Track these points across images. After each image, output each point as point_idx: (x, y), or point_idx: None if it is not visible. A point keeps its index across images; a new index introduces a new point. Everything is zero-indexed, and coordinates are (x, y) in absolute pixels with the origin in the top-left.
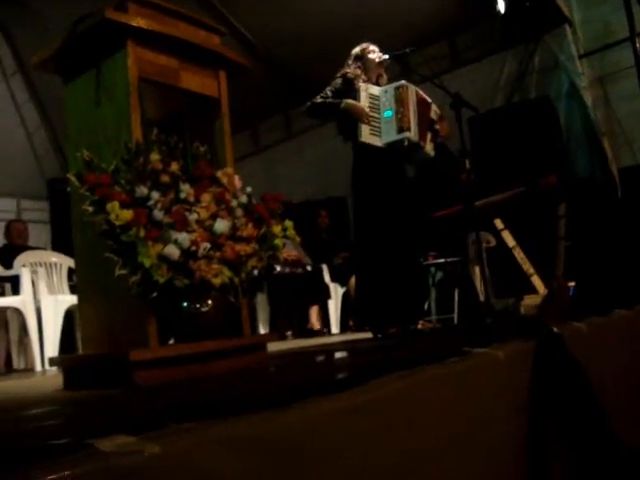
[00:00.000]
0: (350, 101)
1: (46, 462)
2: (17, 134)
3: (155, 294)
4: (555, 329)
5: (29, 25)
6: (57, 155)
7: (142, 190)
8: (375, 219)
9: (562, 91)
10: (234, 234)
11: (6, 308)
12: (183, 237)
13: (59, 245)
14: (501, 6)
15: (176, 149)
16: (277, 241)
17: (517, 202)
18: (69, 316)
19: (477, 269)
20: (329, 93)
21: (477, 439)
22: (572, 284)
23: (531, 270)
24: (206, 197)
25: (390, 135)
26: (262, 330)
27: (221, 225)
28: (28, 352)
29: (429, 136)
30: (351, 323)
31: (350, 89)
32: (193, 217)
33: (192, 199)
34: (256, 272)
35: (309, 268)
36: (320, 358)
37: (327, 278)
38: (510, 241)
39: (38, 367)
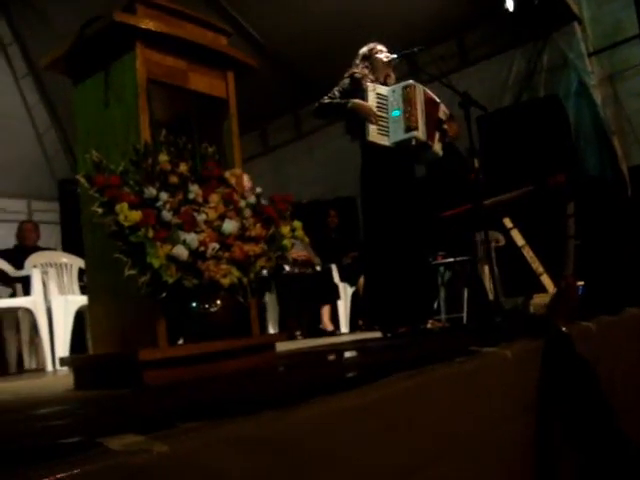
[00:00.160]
0: (357, 101)
1: (56, 460)
2: (28, 135)
3: (164, 294)
4: (564, 328)
5: (40, 27)
6: (67, 156)
7: (151, 191)
8: (384, 219)
9: (571, 89)
10: (243, 234)
11: (17, 308)
12: (192, 237)
13: (69, 246)
14: (509, 4)
15: (184, 150)
16: (286, 241)
17: (526, 201)
18: (79, 316)
19: (486, 268)
20: (337, 93)
21: (485, 438)
22: (581, 283)
23: (540, 269)
24: (214, 198)
25: (398, 134)
26: (271, 330)
27: (229, 225)
28: (39, 352)
29: (437, 135)
30: (360, 323)
31: (358, 89)
32: (201, 218)
33: (200, 200)
34: (265, 272)
35: (318, 268)
36: (329, 357)
37: (336, 278)
38: (519, 240)
39: (49, 367)
